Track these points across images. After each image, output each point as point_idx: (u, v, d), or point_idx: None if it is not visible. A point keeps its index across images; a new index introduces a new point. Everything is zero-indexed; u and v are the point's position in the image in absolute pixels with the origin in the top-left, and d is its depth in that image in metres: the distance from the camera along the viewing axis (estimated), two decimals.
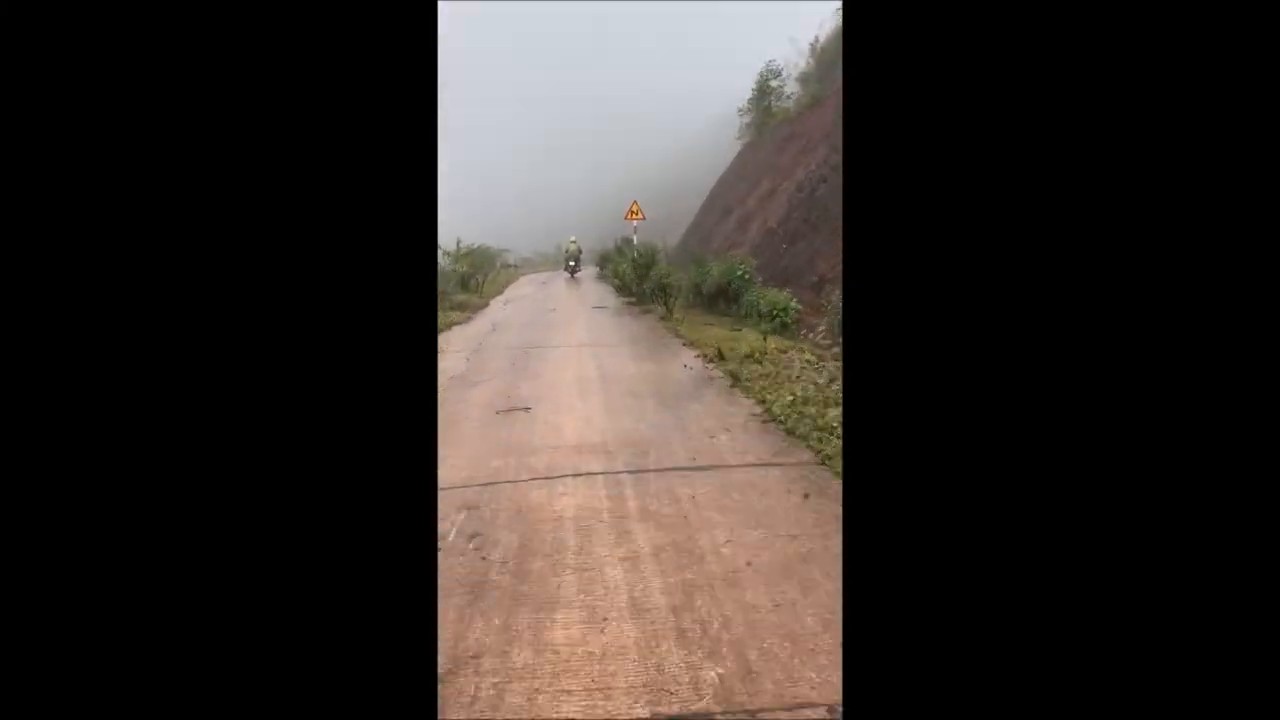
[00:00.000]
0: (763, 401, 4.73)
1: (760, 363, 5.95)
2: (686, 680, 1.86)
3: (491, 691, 1.84)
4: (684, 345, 7.36)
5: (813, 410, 4.26)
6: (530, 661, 1.96)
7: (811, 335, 7.19)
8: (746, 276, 9.66)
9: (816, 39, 20.86)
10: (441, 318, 9.49)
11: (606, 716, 1.74)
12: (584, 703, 1.79)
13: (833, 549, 2.53)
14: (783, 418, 4.24)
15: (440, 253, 14.72)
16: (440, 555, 2.56)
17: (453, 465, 3.61)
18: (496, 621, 2.16)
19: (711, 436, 4.02)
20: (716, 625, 2.09)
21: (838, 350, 6.25)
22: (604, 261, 22.18)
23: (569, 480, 3.39)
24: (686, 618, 2.14)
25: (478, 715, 1.78)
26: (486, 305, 12.76)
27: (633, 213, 17.26)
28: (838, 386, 4.69)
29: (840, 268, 7.61)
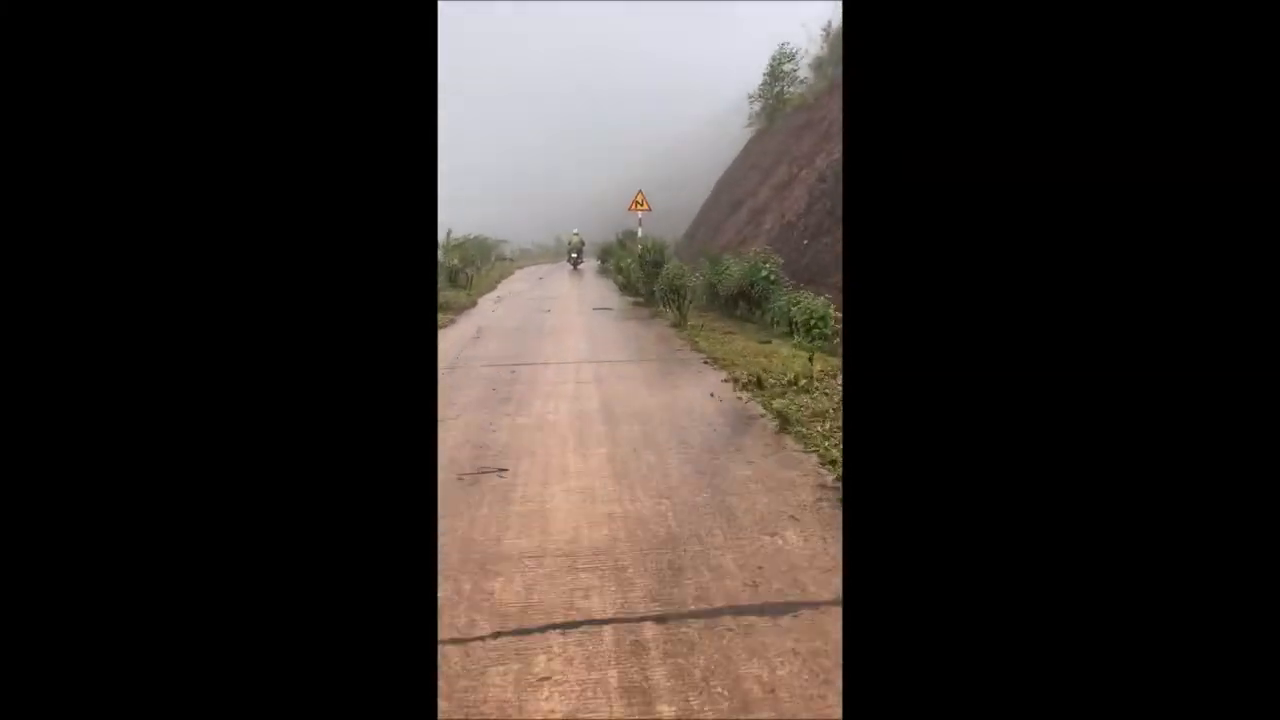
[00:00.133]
0: (830, 460, 3.40)
1: (809, 393, 4.62)
2: None
3: None
4: (706, 363, 6.02)
5: None
6: None
7: None
8: (772, 278, 8.31)
9: (830, 24, 19.47)
10: None
11: None
12: None
13: None
14: None
15: None
16: None
17: None
18: None
19: (772, 534, 2.68)
20: None
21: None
22: (605, 255, 20.81)
23: (555, 643, 2.01)
24: None
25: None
26: (474, 304, 11.39)
27: (637, 203, 15.88)
28: None
29: None
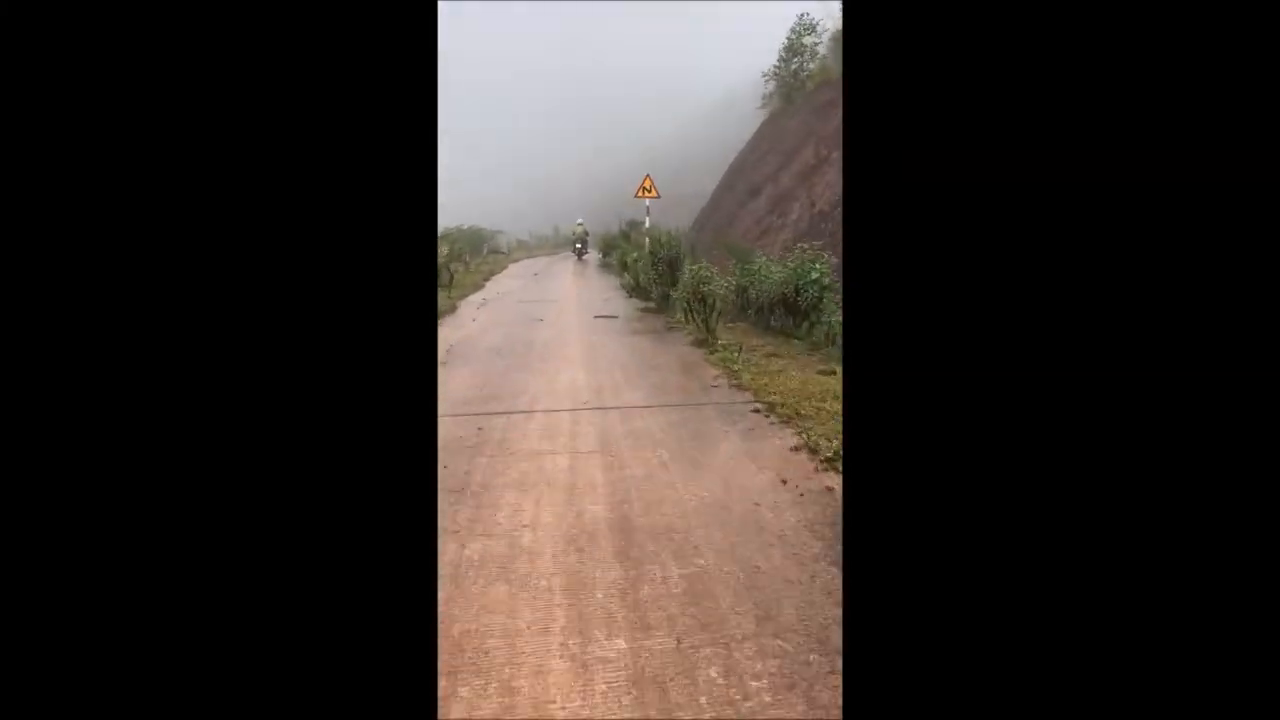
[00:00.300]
0: None
1: None
2: None
3: None
4: (757, 410, 4.21)
5: None
6: None
7: None
8: (826, 282, 6.49)
9: None
10: None
11: None
12: None
13: None
14: None
15: None
16: None
17: None
18: None
19: None
20: None
21: None
22: (608, 248, 18.94)
23: None
24: None
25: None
26: (454, 309, 9.53)
27: (645, 189, 14.00)
28: None
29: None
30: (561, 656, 1.89)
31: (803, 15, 19.11)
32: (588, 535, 2.62)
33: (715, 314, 6.49)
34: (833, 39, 18.27)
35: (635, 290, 9.61)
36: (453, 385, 5.03)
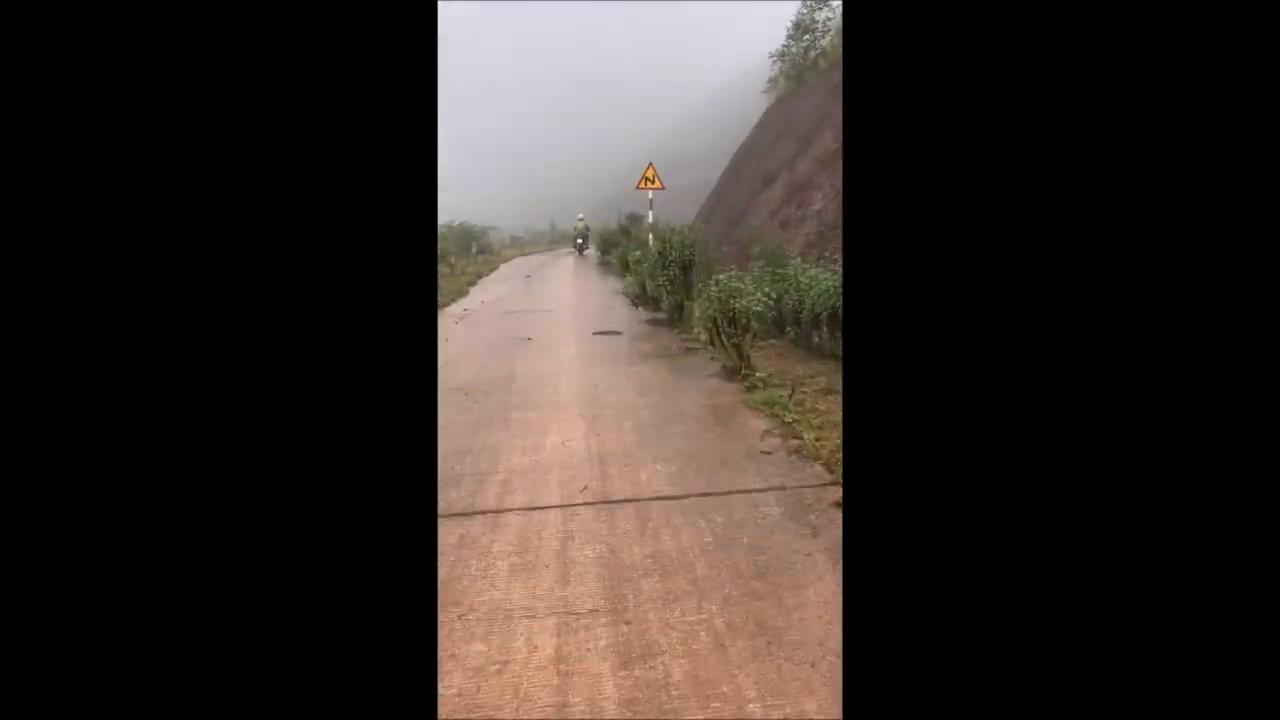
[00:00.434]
0: None
1: None
2: None
3: None
4: (840, 504, 2.78)
5: None
6: None
7: None
8: None
9: None
10: None
11: None
12: None
13: None
14: None
15: None
16: None
17: None
18: None
19: None
20: None
21: None
22: (608, 246, 17.42)
23: None
24: None
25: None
26: None
27: (647, 179, 12.52)
28: None
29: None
30: None
31: None
32: None
33: (749, 339, 5.03)
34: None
35: (640, 298, 8.12)
36: None
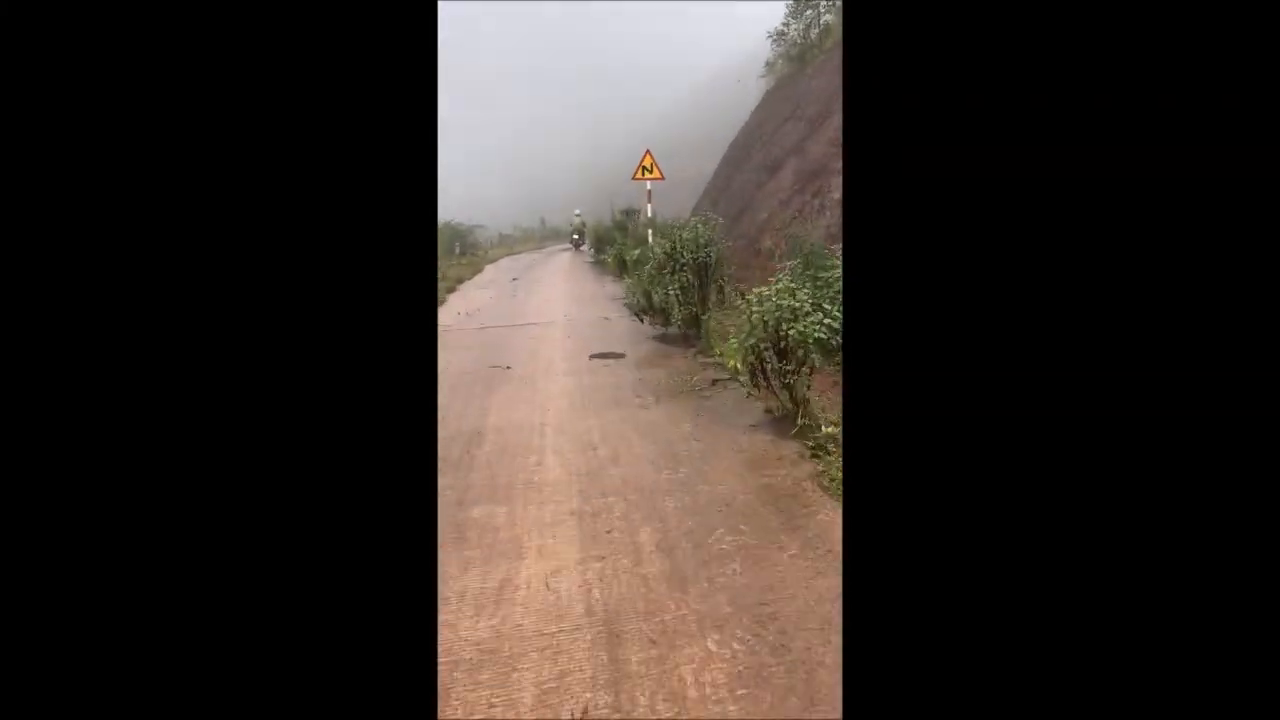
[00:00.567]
0: None
1: None
2: None
3: None
4: None
5: None
6: None
7: None
8: None
9: None
10: None
11: None
12: None
13: None
14: None
15: None
16: None
17: None
18: None
19: None
20: None
21: None
22: (601, 244, 15.95)
23: None
24: None
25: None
26: None
27: (644, 169, 11.11)
28: None
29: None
30: None
31: None
32: None
33: (807, 377, 3.63)
34: None
35: (645, 309, 6.70)
36: None
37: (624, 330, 6.82)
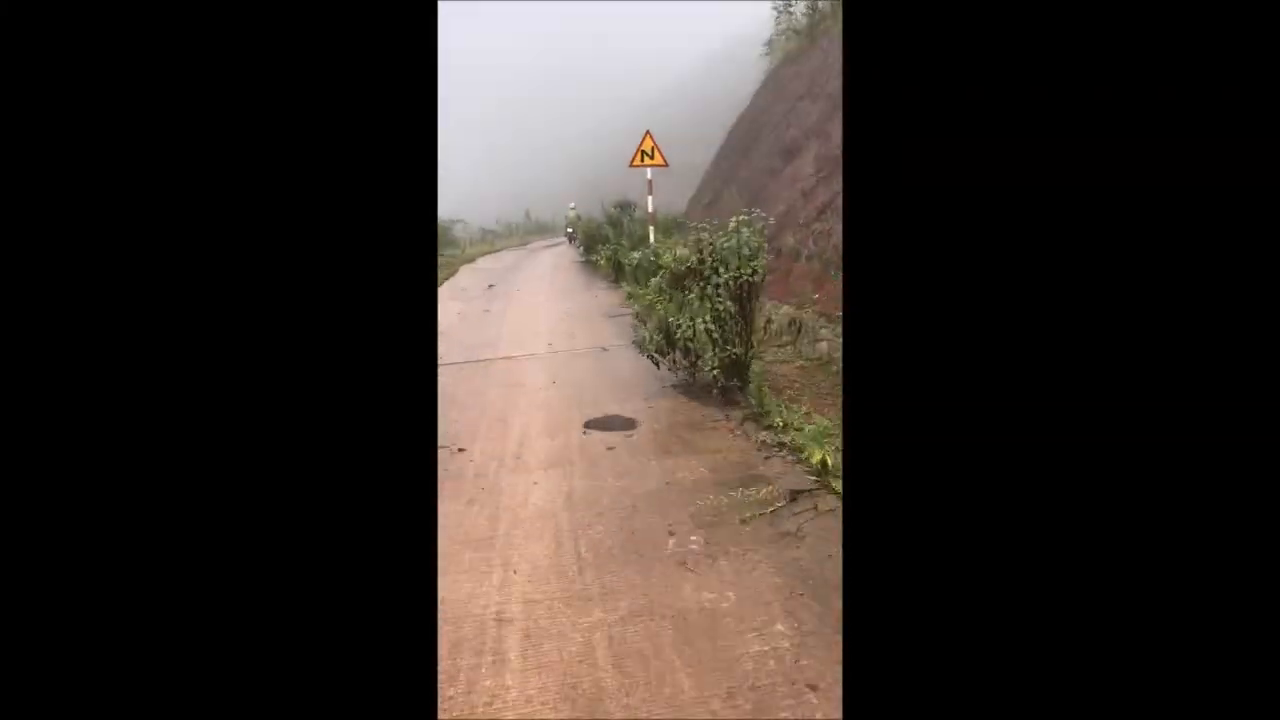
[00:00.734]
0: None
1: None
2: None
3: None
4: None
5: None
6: None
7: None
8: None
9: None
10: None
11: None
12: None
13: None
14: None
15: None
16: None
17: None
18: None
19: None
20: None
21: None
22: (591, 241, 14.00)
23: None
24: None
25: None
26: None
27: (644, 153, 9.26)
28: None
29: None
30: None
31: None
32: None
33: None
34: None
35: (661, 344, 4.82)
36: None
37: (629, 368, 4.98)
